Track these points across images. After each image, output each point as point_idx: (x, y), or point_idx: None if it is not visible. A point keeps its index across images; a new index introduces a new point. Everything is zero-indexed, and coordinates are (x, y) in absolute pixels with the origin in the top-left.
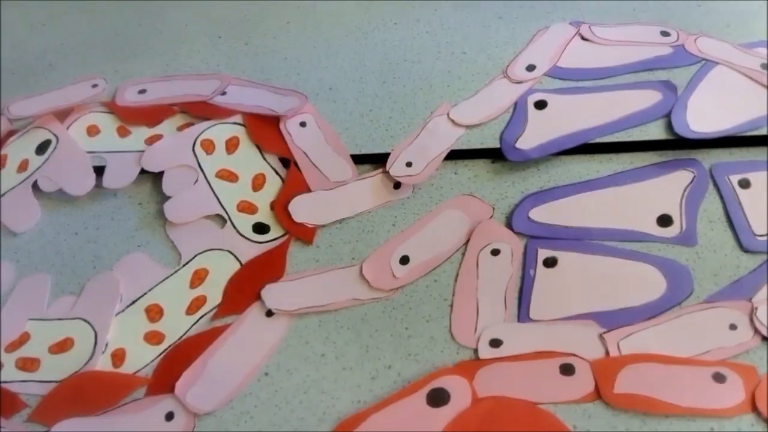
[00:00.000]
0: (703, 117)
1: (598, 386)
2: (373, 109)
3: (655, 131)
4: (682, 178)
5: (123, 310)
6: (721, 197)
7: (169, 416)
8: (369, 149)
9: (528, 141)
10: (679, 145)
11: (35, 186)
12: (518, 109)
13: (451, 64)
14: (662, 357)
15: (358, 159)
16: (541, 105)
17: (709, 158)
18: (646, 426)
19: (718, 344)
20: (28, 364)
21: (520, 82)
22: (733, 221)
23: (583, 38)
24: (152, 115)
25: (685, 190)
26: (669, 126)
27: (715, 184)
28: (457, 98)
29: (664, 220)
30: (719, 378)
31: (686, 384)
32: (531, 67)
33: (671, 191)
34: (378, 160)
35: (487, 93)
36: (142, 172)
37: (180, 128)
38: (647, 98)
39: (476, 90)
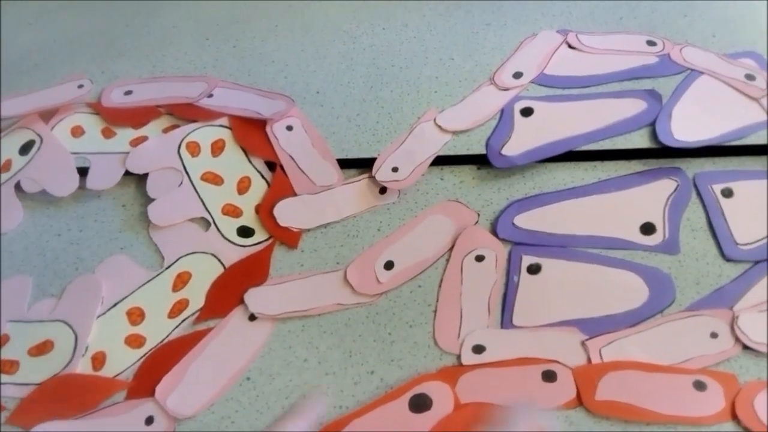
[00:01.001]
0: (687, 126)
1: (580, 393)
2: (360, 113)
3: (640, 140)
4: (665, 186)
5: (104, 313)
6: (704, 206)
7: (149, 420)
8: (355, 154)
9: (514, 148)
10: (663, 153)
11: (18, 187)
12: (504, 115)
13: (438, 70)
14: (644, 365)
15: (345, 163)
16: (527, 112)
17: (692, 167)
18: None
19: (699, 352)
20: (7, 366)
21: (506, 89)
22: (715, 230)
23: (570, 46)
24: (138, 117)
25: (668, 199)
26: (653, 135)
27: (698, 193)
28: (444, 104)
29: (647, 228)
30: (700, 386)
31: (667, 392)
32: (518, 75)
33: (655, 199)
34: (364, 165)
35: (473, 99)
36: (127, 173)
37: (165, 130)
38: (632, 107)
39: (463, 96)
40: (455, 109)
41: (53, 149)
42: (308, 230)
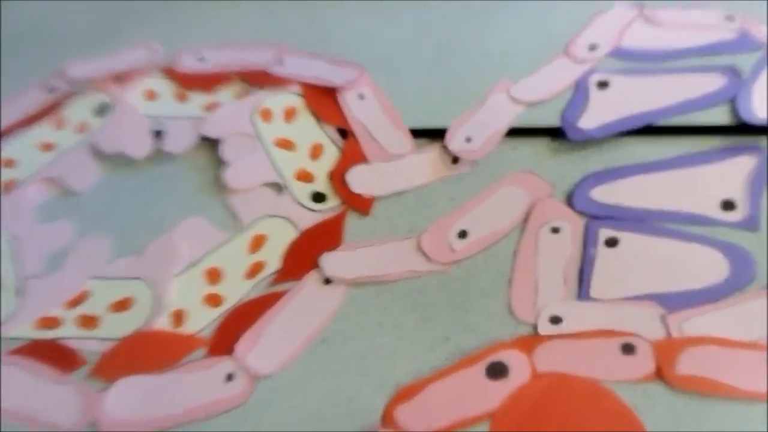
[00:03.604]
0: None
1: (660, 367)
2: (431, 82)
3: (719, 116)
4: (745, 163)
5: (182, 272)
6: None
7: (229, 377)
8: (426, 123)
9: (590, 121)
10: (742, 130)
11: (94, 147)
12: (580, 88)
13: (510, 41)
14: (725, 340)
15: (416, 133)
16: (603, 85)
17: None
18: (707, 407)
19: None
20: (88, 322)
21: (581, 61)
22: None
23: (645, 20)
24: (210, 82)
25: (748, 176)
26: (733, 111)
27: None
28: (516, 75)
29: (728, 205)
30: None
31: (748, 367)
32: (593, 47)
33: (735, 176)
34: (436, 135)
35: (547, 71)
36: (201, 138)
37: (238, 96)
38: (711, 82)
39: (536, 67)
40: (529, 81)
41: (127, 112)
42: (381, 198)
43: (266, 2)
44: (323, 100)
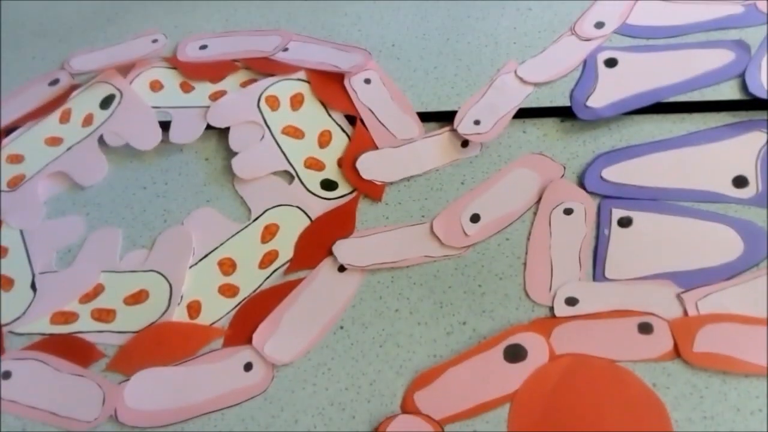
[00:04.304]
0: None
1: (678, 345)
2: (438, 66)
3: (729, 91)
4: (757, 139)
5: (196, 263)
6: None
7: (248, 366)
8: (434, 107)
9: (599, 99)
10: (753, 105)
11: (101, 140)
12: (588, 66)
13: (516, 21)
14: (742, 317)
15: (424, 117)
16: (611, 63)
17: None
18: (726, 385)
19: None
20: (104, 315)
21: (588, 40)
22: None
23: None
24: (215, 71)
25: (760, 151)
26: (743, 86)
27: None
28: (523, 55)
29: (740, 181)
30: None
31: (765, 344)
32: (600, 24)
33: (746, 152)
34: (444, 119)
35: (554, 50)
36: (208, 127)
37: (243, 84)
38: (720, 57)
39: (543, 47)
40: (536, 61)
41: (134, 103)
42: (391, 183)
43: None
44: (330, 85)
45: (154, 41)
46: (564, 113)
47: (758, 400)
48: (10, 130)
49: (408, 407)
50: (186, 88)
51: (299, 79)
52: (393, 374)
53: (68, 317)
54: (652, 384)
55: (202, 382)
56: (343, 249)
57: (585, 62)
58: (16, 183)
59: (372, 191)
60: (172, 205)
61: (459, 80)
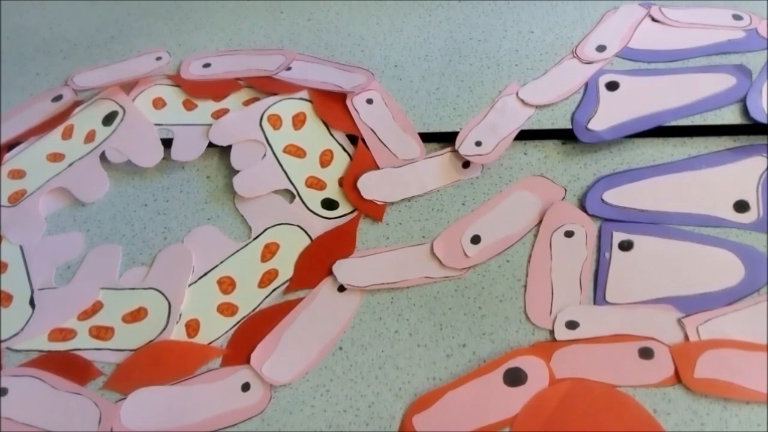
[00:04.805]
0: None
1: (678, 370)
2: (440, 87)
3: (730, 116)
4: (758, 163)
5: (195, 282)
6: None
7: (246, 387)
8: (436, 128)
9: (600, 122)
10: (754, 130)
11: (103, 157)
12: (589, 89)
13: (518, 43)
14: (743, 343)
15: (426, 137)
16: (612, 86)
17: None
18: (728, 411)
19: None
20: (102, 333)
21: (590, 63)
22: None
23: (653, 19)
24: (218, 89)
25: (761, 176)
26: (744, 111)
27: None
28: (524, 78)
29: (741, 206)
30: None
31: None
32: (601, 48)
33: (748, 177)
34: (445, 139)
35: (556, 73)
36: (210, 145)
37: (246, 103)
38: (721, 82)
39: (545, 70)
40: (538, 83)
41: (136, 120)
42: (392, 203)
43: (273, 6)
44: (332, 105)
45: (158, 59)
46: (565, 135)
47: (759, 428)
48: (12, 145)
49: (407, 430)
50: (189, 105)
51: (302, 99)
52: (392, 397)
53: (66, 334)
54: (652, 410)
55: (200, 402)
56: (343, 269)
57: (586, 85)
58: (17, 198)
59: (373, 211)
60: (173, 223)
61: (461, 101)
